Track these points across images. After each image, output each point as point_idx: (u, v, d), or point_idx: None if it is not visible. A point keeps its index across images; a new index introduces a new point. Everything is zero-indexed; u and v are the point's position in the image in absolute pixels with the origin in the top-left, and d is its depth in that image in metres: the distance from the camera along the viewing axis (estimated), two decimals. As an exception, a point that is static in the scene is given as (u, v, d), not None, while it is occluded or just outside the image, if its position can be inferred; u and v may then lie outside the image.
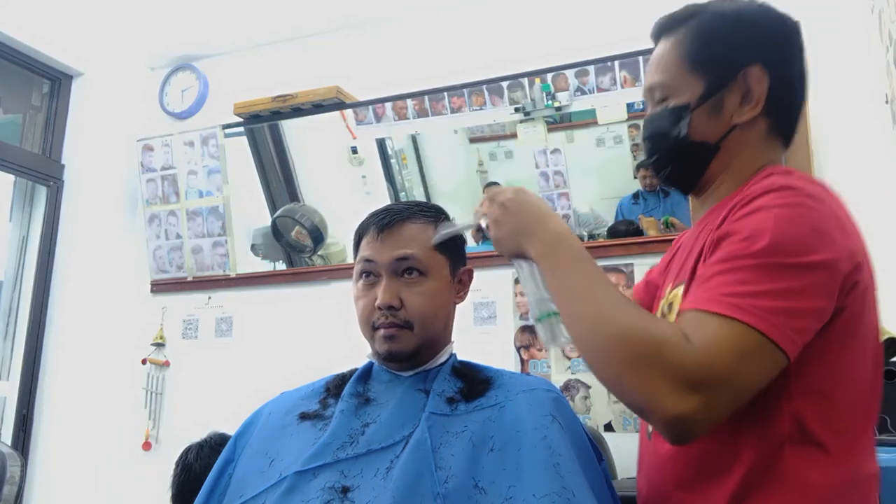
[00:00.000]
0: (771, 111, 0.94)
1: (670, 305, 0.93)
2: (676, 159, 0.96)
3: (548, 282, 0.89)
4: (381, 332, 1.01)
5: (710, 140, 0.93)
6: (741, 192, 0.86)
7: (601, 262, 2.38)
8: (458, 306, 1.13)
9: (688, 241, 0.98)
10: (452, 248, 1.09)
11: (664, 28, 0.97)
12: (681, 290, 0.90)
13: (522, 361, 2.44)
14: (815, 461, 0.79)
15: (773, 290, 0.74)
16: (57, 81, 3.04)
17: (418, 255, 1.03)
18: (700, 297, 0.77)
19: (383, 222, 1.05)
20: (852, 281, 0.81)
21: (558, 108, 2.68)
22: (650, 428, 0.95)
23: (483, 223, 0.99)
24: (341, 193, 3.18)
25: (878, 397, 0.87)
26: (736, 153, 0.94)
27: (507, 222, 0.94)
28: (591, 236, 2.77)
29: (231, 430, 1.18)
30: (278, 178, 3.15)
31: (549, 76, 2.62)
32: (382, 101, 2.85)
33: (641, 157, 2.89)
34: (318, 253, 2.96)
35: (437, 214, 1.10)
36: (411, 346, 1.01)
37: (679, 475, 0.87)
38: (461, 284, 1.12)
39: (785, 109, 0.96)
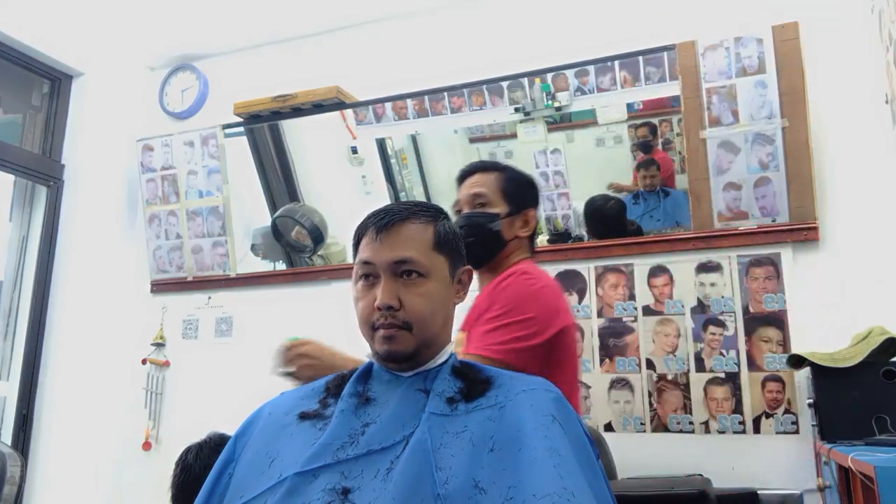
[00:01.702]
0: (532, 233, 1.64)
1: (457, 343, 1.42)
2: (488, 244, 1.54)
3: None
4: (381, 332, 1.01)
5: (506, 239, 1.56)
6: (501, 276, 1.51)
7: (601, 262, 2.39)
8: (457, 306, 1.12)
9: (475, 302, 1.53)
10: (452, 248, 1.09)
11: (482, 168, 1.61)
12: (463, 335, 1.48)
13: (522, 361, 2.43)
14: None
15: (512, 337, 1.39)
16: (57, 81, 3.04)
17: (417, 257, 1.03)
18: (470, 348, 1.41)
19: (382, 223, 1.04)
20: (558, 328, 1.45)
21: (558, 108, 2.68)
22: None
23: (291, 369, 1.37)
24: (341, 193, 3.18)
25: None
26: (512, 250, 1.58)
27: (309, 364, 1.36)
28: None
29: (231, 430, 1.18)
30: (278, 178, 3.15)
31: (549, 76, 2.62)
32: (382, 101, 2.85)
33: (642, 157, 2.88)
34: (318, 253, 2.96)
35: (436, 214, 1.10)
36: (411, 347, 1.01)
37: None
38: (461, 284, 1.12)
39: (534, 235, 1.66)
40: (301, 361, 1.37)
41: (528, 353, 1.38)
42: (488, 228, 1.53)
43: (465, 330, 1.49)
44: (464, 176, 1.62)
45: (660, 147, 2.83)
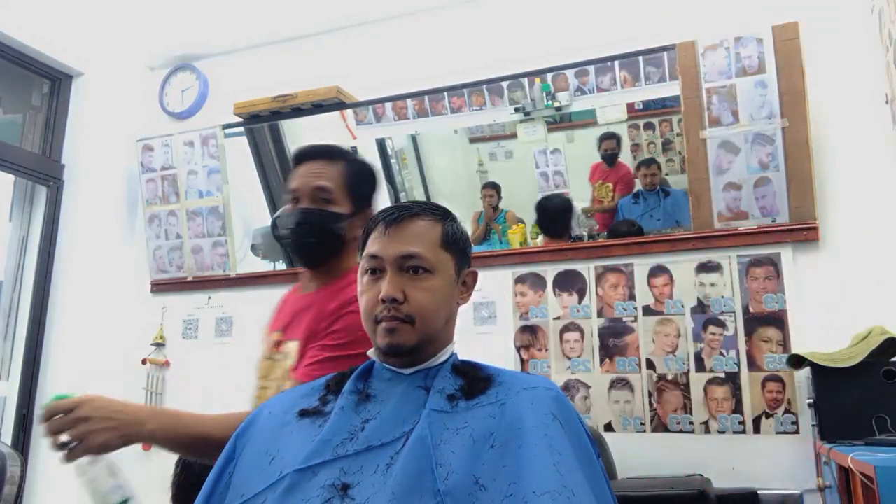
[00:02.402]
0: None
1: (285, 355, 1.37)
2: (328, 245, 1.38)
3: (179, 441, 1.19)
4: (383, 325, 1.01)
5: (347, 241, 1.39)
6: (340, 285, 1.36)
7: (601, 262, 2.39)
8: (459, 307, 1.13)
9: (298, 302, 1.43)
10: (459, 248, 1.10)
11: (326, 155, 1.42)
12: (294, 345, 1.35)
13: (522, 361, 2.44)
14: None
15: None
16: (57, 81, 3.04)
17: (424, 253, 1.04)
18: (300, 375, 1.27)
19: (391, 218, 1.05)
20: None
21: (558, 108, 2.68)
22: None
23: (66, 438, 1.08)
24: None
25: None
26: (348, 252, 1.41)
27: (102, 427, 1.12)
28: (591, 236, 2.77)
29: (231, 429, 1.18)
30: (278, 178, 3.15)
31: (549, 76, 2.62)
32: (382, 101, 2.85)
33: (642, 156, 2.90)
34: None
35: (445, 214, 1.11)
36: (412, 341, 1.01)
37: None
38: (465, 286, 1.12)
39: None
40: (87, 427, 1.11)
41: None
42: (332, 230, 1.38)
43: (298, 339, 1.35)
44: (302, 158, 1.43)
45: (624, 158, 2.87)
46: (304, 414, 1.04)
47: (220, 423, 1.18)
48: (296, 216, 1.37)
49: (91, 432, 1.10)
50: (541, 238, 2.73)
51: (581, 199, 2.83)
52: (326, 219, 1.37)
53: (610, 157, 2.87)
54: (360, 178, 1.44)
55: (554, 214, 2.69)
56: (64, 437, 1.10)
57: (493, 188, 3.12)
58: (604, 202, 2.87)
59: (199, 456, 1.24)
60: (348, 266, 1.41)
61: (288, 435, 1.01)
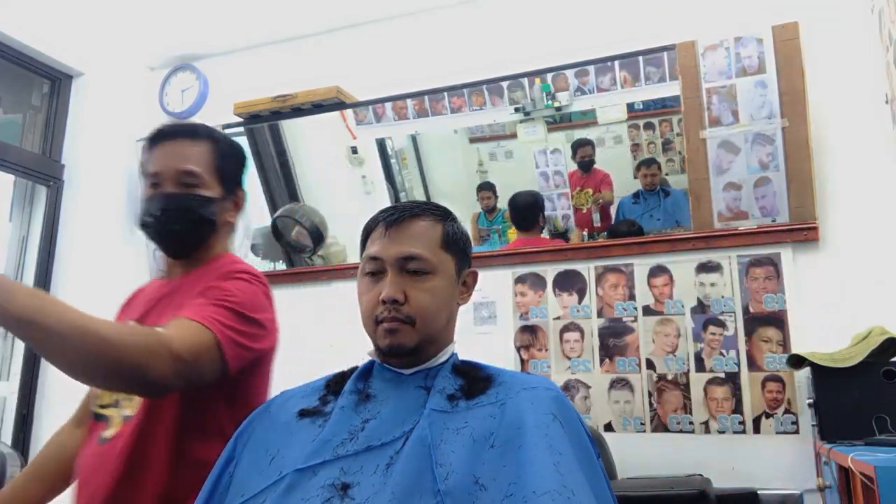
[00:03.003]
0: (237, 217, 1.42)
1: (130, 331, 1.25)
2: (198, 232, 1.30)
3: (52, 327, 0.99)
4: (384, 325, 1.01)
5: (217, 226, 1.33)
6: (213, 266, 1.30)
7: (601, 262, 2.39)
8: (459, 307, 1.13)
9: (159, 290, 1.34)
10: (459, 248, 1.10)
11: (190, 134, 1.31)
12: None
13: (522, 361, 2.44)
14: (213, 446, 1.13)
15: (236, 328, 1.17)
16: (57, 81, 3.04)
17: (425, 254, 1.04)
18: (193, 314, 1.14)
19: (392, 219, 1.05)
20: (273, 346, 1.31)
21: (558, 108, 2.68)
22: (106, 434, 1.23)
23: None
24: (341, 193, 3.18)
25: None
26: (219, 238, 1.35)
27: None
28: (591, 236, 2.77)
29: (231, 429, 1.18)
30: (278, 178, 3.15)
31: (549, 76, 2.62)
32: (382, 101, 2.85)
33: (642, 156, 2.90)
34: (318, 253, 2.96)
35: (445, 214, 1.11)
36: (413, 342, 1.02)
37: (121, 470, 1.16)
38: (465, 286, 1.12)
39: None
40: None
41: (246, 355, 1.19)
42: (202, 216, 1.28)
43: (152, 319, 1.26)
44: (161, 138, 1.30)
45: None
46: (303, 414, 1.04)
47: (114, 325, 1.14)
48: (160, 202, 1.26)
49: None
50: (515, 234, 2.76)
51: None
52: (195, 204, 1.28)
53: (586, 164, 2.89)
54: (227, 159, 1.34)
55: (523, 210, 2.75)
56: None
57: (489, 189, 3.12)
58: (583, 209, 2.89)
59: (60, 354, 1.03)
60: (218, 252, 1.35)
61: (288, 435, 1.01)
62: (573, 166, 2.93)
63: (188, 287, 1.27)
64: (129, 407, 1.22)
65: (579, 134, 2.93)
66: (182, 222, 1.28)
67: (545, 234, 2.77)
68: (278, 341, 1.34)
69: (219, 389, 1.19)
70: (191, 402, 1.19)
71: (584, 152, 2.88)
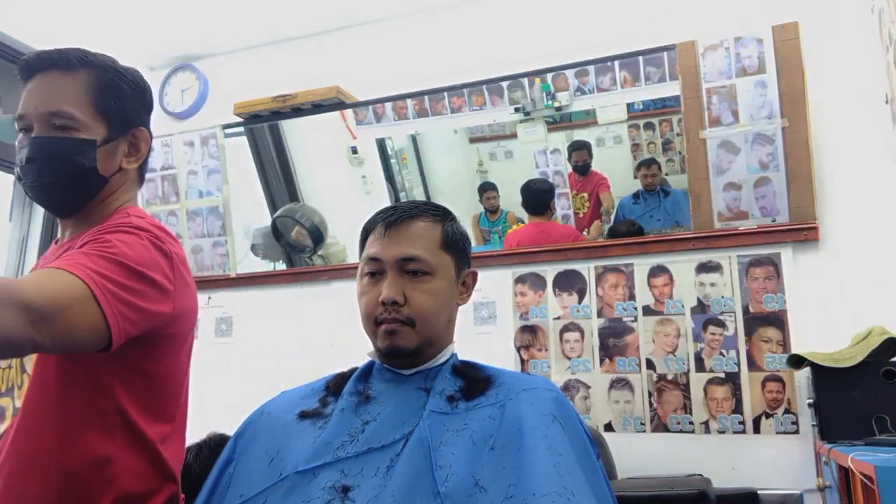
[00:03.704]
0: (143, 163, 1.19)
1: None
2: (78, 183, 1.08)
3: None
4: (384, 327, 1.01)
5: (105, 175, 1.10)
6: (110, 222, 1.08)
7: (601, 262, 2.39)
8: (459, 307, 1.13)
9: (53, 254, 1.13)
10: (458, 248, 1.10)
11: (63, 65, 1.07)
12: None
13: (522, 361, 2.44)
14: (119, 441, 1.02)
15: (117, 280, 0.95)
16: (57, 81, 3.04)
17: (424, 255, 1.03)
18: (61, 263, 0.94)
19: (391, 220, 1.05)
20: (174, 313, 1.07)
21: (558, 108, 2.69)
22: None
23: None
24: (341, 193, 3.18)
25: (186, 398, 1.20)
26: (114, 189, 1.13)
27: None
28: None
29: (231, 430, 1.18)
30: (278, 178, 3.15)
31: (549, 76, 2.62)
32: (382, 101, 2.85)
33: (642, 156, 2.89)
34: (318, 253, 2.96)
35: (444, 214, 1.11)
36: (413, 343, 1.01)
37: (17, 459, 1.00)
38: (465, 287, 1.12)
39: (146, 162, 1.20)
40: None
41: (133, 316, 0.96)
42: (78, 163, 1.06)
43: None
44: (30, 71, 1.08)
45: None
46: (304, 415, 1.04)
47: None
48: (26, 150, 1.05)
49: None
50: (527, 218, 2.78)
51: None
52: (67, 150, 1.06)
53: (582, 168, 2.90)
54: (113, 91, 1.10)
55: (538, 195, 2.80)
56: None
57: (493, 189, 3.12)
58: (580, 213, 2.90)
59: None
60: (116, 207, 1.13)
61: (288, 436, 1.01)
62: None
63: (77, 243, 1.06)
64: (21, 396, 1.03)
65: (579, 134, 2.94)
66: (54, 173, 1.06)
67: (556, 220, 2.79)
68: (190, 315, 1.15)
69: (110, 365, 1.00)
70: (79, 385, 1.01)
71: (578, 156, 2.90)
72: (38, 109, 1.06)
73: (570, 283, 2.43)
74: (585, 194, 2.89)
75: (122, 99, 1.12)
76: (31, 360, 1.04)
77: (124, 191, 1.15)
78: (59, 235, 1.17)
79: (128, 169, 1.14)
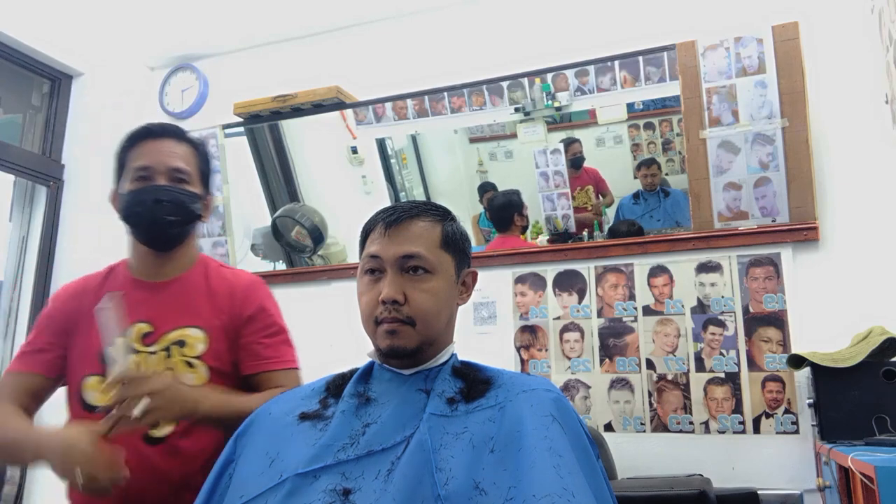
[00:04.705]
0: None
1: (180, 342, 1.31)
2: (188, 225, 1.37)
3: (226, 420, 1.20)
4: (384, 326, 1.01)
5: (202, 222, 1.42)
6: (213, 274, 1.41)
7: (601, 262, 2.39)
8: (459, 307, 1.13)
9: (156, 290, 1.36)
10: (458, 248, 1.09)
11: (177, 136, 1.39)
12: (194, 331, 1.32)
13: (522, 361, 2.44)
14: None
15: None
16: (57, 81, 3.04)
17: (424, 253, 1.03)
18: (285, 364, 1.37)
19: (391, 219, 1.05)
20: None
21: (558, 108, 2.68)
22: (158, 433, 1.28)
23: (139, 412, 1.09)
24: (341, 193, 3.18)
25: None
26: (192, 239, 1.43)
27: (169, 405, 1.15)
28: (591, 236, 2.77)
29: (231, 429, 1.18)
30: (278, 178, 3.15)
31: (549, 76, 2.62)
32: (382, 101, 2.85)
33: (642, 156, 2.89)
34: (318, 253, 2.96)
35: (444, 214, 1.11)
36: (413, 343, 1.01)
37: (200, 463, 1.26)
38: (465, 286, 1.12)
39: None
40: (157, 403, 1.11)
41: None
42: (193, 210, 1.36)
43: (200, 326, 1.33)
44: (149, 135, 1.38)
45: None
46: (304, 417, 1.04)
47: (265, 399, 1.19)
48: (157, 193, 1.31)
49: (158, 409, 1.12)
50: (542, 238, 2.75)
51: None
52: (187, 198, 1.34)
53: (577, 161, 2.89)
54: (206, 163, 1.43)
55: (497, 211, 2.80)
56: (136, 411, 1.09)
57: (493, 189, 3.11)
58: (587, 206, 2.88)
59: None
60: (196, 253, 1.44)
61: (289, 437, 1.01)
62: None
63: (201, 297, 1.35)
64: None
65: (579, 134, 2.93)
66: (175, 214, 1.32)
67: (546, 236, 2.77)
68: None
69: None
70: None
71: (574, 149, 2.88)
72: (165, 164, 1.33)
73: (570, 283, 2.43)
74: (590, 187, 2.88)
75: (209, 169, 1.43)
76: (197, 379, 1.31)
77: (194, 238, 1.44)
78: (133, 264, 1.39)
79: (205, 221, 1.44)
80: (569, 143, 2.89)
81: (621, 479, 2.05)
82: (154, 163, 1.33)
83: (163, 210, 1.32)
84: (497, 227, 2.82)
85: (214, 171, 1.48)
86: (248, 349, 1.34)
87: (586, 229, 2.80)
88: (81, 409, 1.32)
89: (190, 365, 1.30)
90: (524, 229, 2.78)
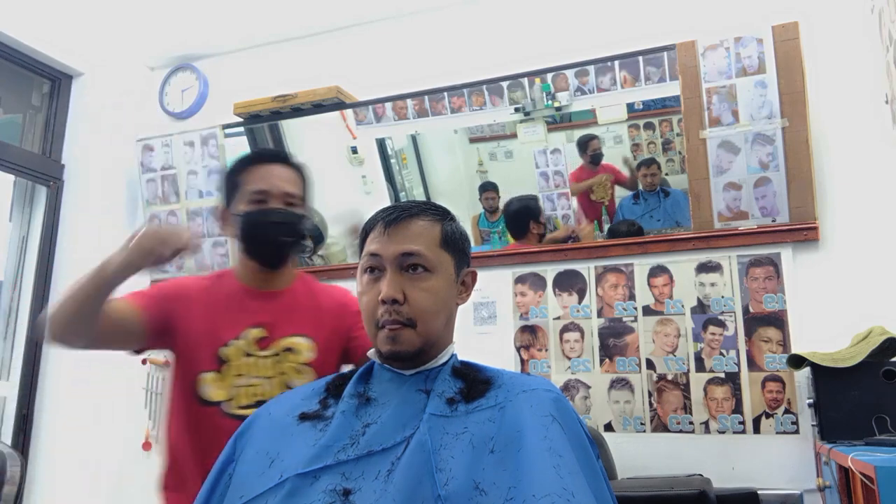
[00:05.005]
0: None
1: (290, 349, 1.42)
2: (298, 244, 1.49)
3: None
4: (385, 331, 1.01)
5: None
6: (315, 285, 1.55)
7: (601, 262, 2.39)
8: (458, 307, 1.13)
9: (269, 299, 1.46)
10: (458, 248, 1.10)
11: (287, 162, 1.49)
12: (303, 339, 1.43)
13: (522, 361, 2.44)
14: None
15: None
16: (57, 81, 3.04)
17: (424, 251, 1.04)
18: None
19: (391, 218, 1.05)
20: None
21: (558, 108, 2.68)
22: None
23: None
24: (341, 193, 3.18)
25: None
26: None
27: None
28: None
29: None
30: (278, 178, 3.15)
31: (549, 76, 2.62)
32: (382, 101, 2.85)
33: (642, 156, 2.89)
34: (318, 253, 2.96)
35: (444, 214, 1.11)
36: (415, 346, 1.01)
37: None
38: (464, 286, 1.12)
39: None
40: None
41: None
42: (302, 232, 1.49)
43: (308, 335, 1.45)
44: (261, 160, 1.50)
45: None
46: (304, 417, 1.04)
47: None
48: (274, 216, 1.42)
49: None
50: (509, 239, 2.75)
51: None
52: (299, 221, 1.47)
53: (598, 158, 2.86)
54: (310, 186, 1.54)
55: (513, 218, 2.76)
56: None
57: (493, 189, 3.11)
58: (604, 200, 2.85)
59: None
60: (293, 269, 1.55)
61: (289, 438, 1.01)
62: (574, 166, 2.91)
63: (308, 310, 1.47)
64: None
65: (579, 134, 2.93)
66: (289, 235, 1.45)
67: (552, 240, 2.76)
68: None
69: None
70: None
71: (595, 145, 2.85)
72: (280, 189, 1.43)
73: (570, 283, 2.43)
74: (608, 182, 2.84)
75: (310, 190, 1.53)
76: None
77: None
78: (241, 274, 1.49)
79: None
80: (588, 139, 2.86)
81: (621, 479, 2.05)
82: (270, 187, 1.43)
83: (279, 231, 1.43)
84: (513, 233, 2.75)
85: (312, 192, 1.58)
86: (357, 342, 1.45)
87: (595, 219, 2.77)
88: (198, 404, 1.39)
89: (298, 371, 1.41)
90: (541, 237, 2.69)
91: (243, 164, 1.48)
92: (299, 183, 1.50)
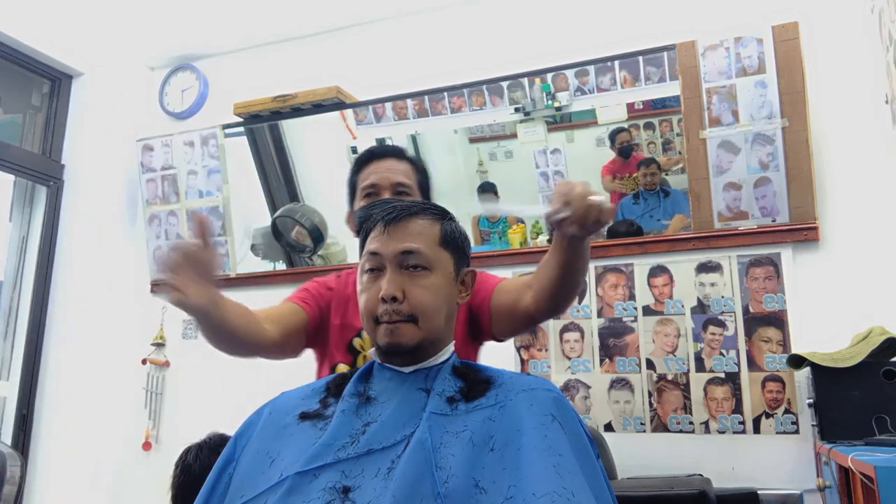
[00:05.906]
0: None
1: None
2: None
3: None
4: (384, 326, 1.01)
5: None
6: None
7: (601, 262, 2.39)
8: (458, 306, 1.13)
9: None
10: (457, 247, 1.10)
11: (398, 155, 1.48)
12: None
13: (522, 361, 2.44)
14: None
15: None
16: (57, 81, 3.04)
17: (423, 250, 1.04)
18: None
19: (391, 217, 1.06)
20: None
21: (558, 108, 2.68)
22: None
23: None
24: (341, 193, 3.17)
25: None
26: None
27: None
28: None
29: (231, 430, 1.18)
30: (278, 178, 3.15)
31: (549, 76, 2.62)
32: (382, 101, 2.85)
33: (641, 156, 2.89)
34: (318, 253, 2.96)
35: (443, 213, 1.11)
36: (415, 340, 1.02)
37: None
38: (464, 285, 1.12)
39: None
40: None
41: None
42: None
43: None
44: (374, 157, 1.50)
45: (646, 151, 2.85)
46: (304, 417, 1.04)
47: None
48: (383, 205, 1.41)
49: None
50: (542, 238, 2.73)
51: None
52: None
53: (628, 150, 2.84)
54: (426, 176, 1.52)
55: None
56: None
57: (493, 189, 3.11)
58: (634, 191, 2.83)
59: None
60: None
61: (289, 437, 1.01)
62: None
63: None
64: None
65: (579, 134, 2.93)
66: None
67: (546, 236, 2.76)
68: None
69: None
70: None
71: (623, 137, 2.83)
72: (389, 180, 1.44)
73: (570, 283, 2.43)
74: (636, 174, 2.83)
75: (428, 181, 1.53)
76: None
77: None
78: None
79: None
80: (617, 131, 2.85)
81: (621, 479, 2.05)
82: (379, 180, 1.44)
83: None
84: None
85: (430, 183, 1.54)
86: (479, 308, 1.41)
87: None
88: None
89: None
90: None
91: (357, 165, 1.51)
92: (412, 174, 1.49)
